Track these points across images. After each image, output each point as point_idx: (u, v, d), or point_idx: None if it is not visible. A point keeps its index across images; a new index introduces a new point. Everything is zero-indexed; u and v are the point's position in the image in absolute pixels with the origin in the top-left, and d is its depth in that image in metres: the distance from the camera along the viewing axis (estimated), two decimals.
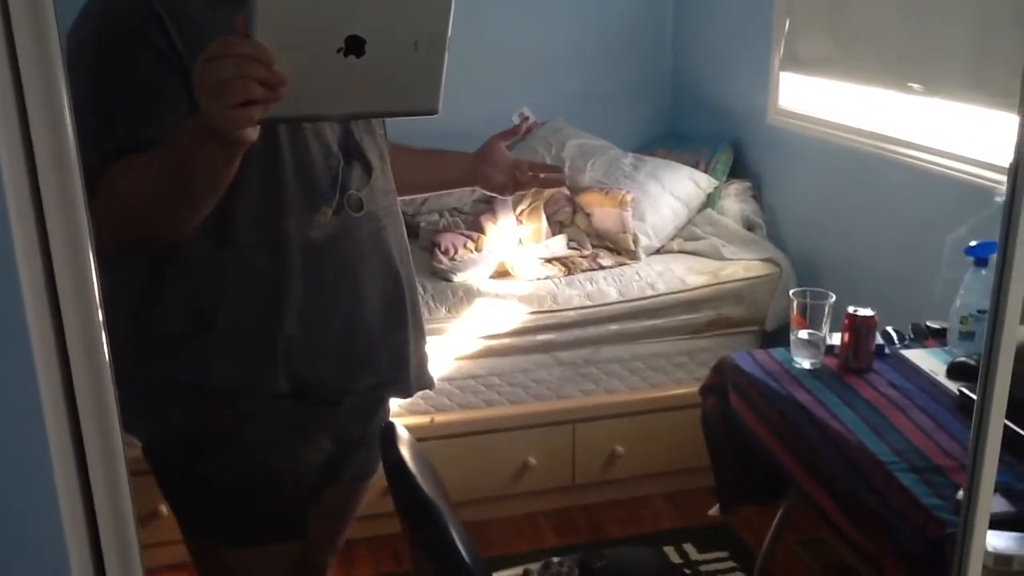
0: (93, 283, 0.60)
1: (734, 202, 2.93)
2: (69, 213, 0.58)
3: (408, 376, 1.35)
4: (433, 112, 0.99)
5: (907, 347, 1.87)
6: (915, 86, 2.19)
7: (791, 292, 1.85)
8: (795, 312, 1.82)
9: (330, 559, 1.50)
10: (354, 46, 0.89)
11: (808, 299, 1.80)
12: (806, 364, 1.80)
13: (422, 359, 1.39)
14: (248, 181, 1.09)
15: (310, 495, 1.29)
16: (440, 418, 2.45)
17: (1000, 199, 0.88)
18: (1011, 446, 1.35)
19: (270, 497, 1.25)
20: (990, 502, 0.87)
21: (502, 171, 1.48)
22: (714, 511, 1.99)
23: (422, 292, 2.52)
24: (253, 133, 0.91)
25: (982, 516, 0.86)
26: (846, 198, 2.55)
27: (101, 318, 0.60)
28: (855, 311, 1.77)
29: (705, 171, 3.01)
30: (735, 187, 2.96)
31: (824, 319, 1.80)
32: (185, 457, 1.24)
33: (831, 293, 1.81)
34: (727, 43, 3.18)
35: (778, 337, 2.68)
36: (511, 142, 1.53)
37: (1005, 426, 0.89)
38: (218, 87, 0.85)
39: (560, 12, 3.39)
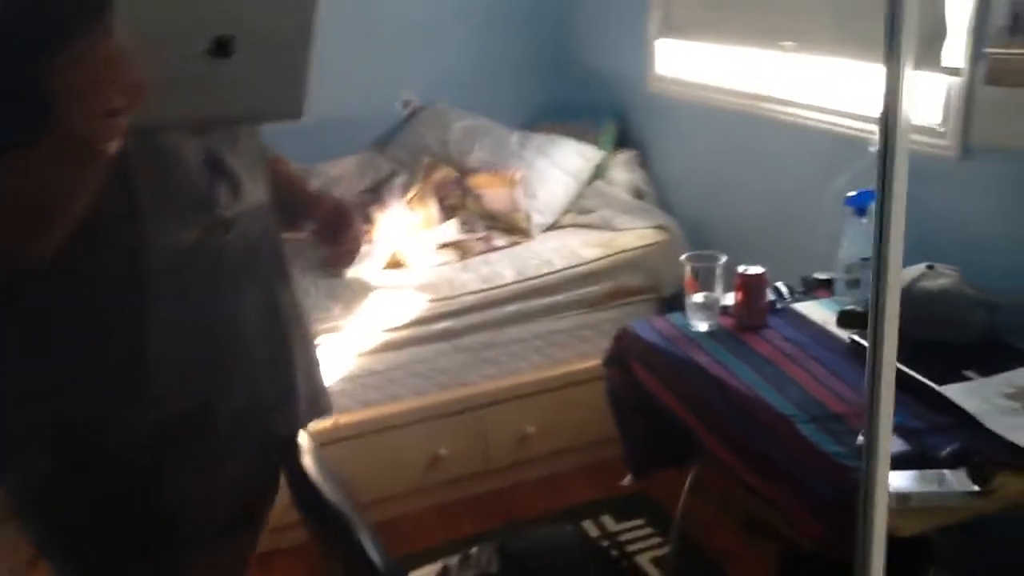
0: None
1: (622, 172, 2.94)
2: None
3: (295, 403, 1.26)
4: (296, 117, 0.96)
5: (797, 300, 1.91)
6: (787, 44, 2.23)
7: (682, 257, 1.85)
8: (688, 276, 1.83)
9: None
10: (221, 47, 0.85)
11: (699, 262, 1.81)
12: (703, 327, 1.81)
13: (316, 383, 1.32)
14: (100, 205, 0.98)
15: (204, 526, 1.21)
16: (344, 419, 2.38)
17: (873, 149, 0.89)
18: (902, 386, 1.39)
19: (165, 531, 1.17)
20: (889, 444, 0.87)
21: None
22: (627, 480, 1.99)
23: (313, 291, 2.44)
24: (117, 145, 0.84)
25: (883, 459, 0.86)
26: (730, 160, 2.59)
27: None
28: (745, 270, 1.79)
29: (592, 143, 3.01)
30: (622, 157, 2.97)
31: (716, 281, 1.81)
32: (67, 500, 1.14)
33: (722, 255, 1.82)
34: (604, 12, 3.18)
35: (677, 302, 2.70)
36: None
37: (897, 369, 0.90)
38: (78, 95, 0.79)
39: None
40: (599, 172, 2.97)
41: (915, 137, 1.79)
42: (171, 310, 1.09)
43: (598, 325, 2.64)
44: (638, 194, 2.90)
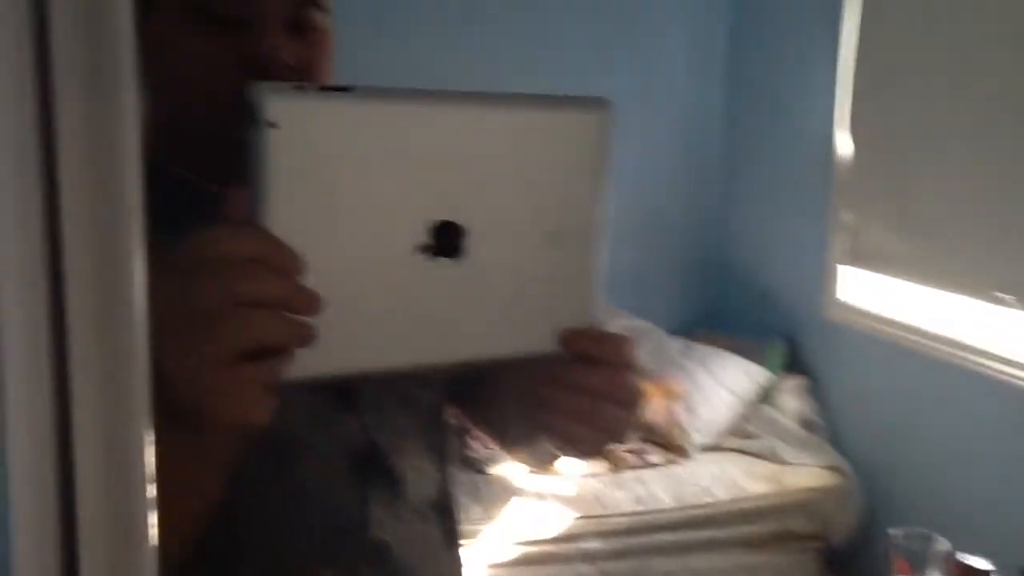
0: None
1: (791, 399, 2.73)
2: None
3: None
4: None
5: None
6: (1004, 296, 2.04)
7: (889, 532, 1.62)
8: (894, 555, 1.59)
9: None
10: (446, 240, 0.52)
11: (913, 544, 1.58)
12: None
13: None
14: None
15: None
16: None
17: None
18: None
19: None
20: None
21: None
22: None
23: None
24: (266, 410, 0.49)
25: None
26: (916, 407, 2.36)
27: None
28: (966, 561, 1.55)
29: (756, 362, 2.83)
30: (792, 383, 2.78)
31: (930, 566, 1.57)
32: None
33: (938, 536, 1.58)
34: (779, 229, 3.07)
35: (846, 553, 2.43)
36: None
37: None
38: (205, 325, 0.46)
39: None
40: (765, 396, 2.78)
41: None
42: None
43: (757, 569, 2.38)
44: (807, 426, 2.68)
